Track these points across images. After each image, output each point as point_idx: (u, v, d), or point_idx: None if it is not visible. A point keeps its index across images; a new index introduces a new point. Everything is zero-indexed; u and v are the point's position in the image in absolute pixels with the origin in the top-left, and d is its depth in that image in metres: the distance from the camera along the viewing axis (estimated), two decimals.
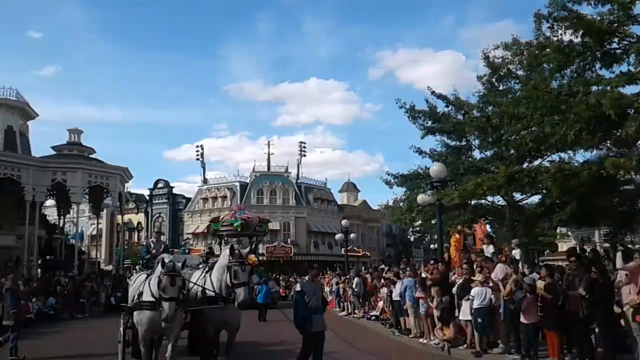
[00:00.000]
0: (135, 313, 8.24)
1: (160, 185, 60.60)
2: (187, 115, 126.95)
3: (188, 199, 59.24)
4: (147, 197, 60.85)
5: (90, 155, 37.53)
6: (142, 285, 8.32)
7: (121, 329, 10.19)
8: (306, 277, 9.57)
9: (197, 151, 56.96)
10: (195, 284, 8.73)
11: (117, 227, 41.34)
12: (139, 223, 59.31)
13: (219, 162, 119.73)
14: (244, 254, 8.12)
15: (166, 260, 7.72)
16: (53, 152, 36.67)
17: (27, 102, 34.34)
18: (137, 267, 11.25)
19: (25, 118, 34.80)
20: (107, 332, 15.18)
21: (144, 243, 12.62)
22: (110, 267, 39.50)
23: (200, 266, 10.24)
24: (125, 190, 40.39)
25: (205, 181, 57.24)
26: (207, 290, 8.43)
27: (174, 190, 61.43)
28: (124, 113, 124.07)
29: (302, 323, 8.68)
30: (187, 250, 30.55)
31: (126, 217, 47.06)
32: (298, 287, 9.35)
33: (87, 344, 14.66)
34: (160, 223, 57.50)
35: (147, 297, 8.01)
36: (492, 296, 11.27)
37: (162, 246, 11.46)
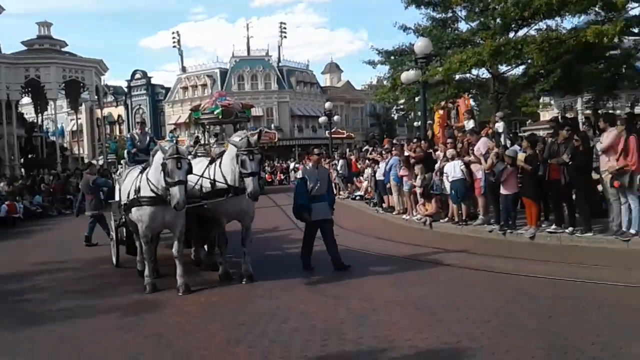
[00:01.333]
0: (134, 210, 7.77)
1: (137, 76, 58.83)
2: (161, 1, 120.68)
3: (167, 89, 57.88)
4: (126, 89, 59.36)
5: (63, 49, 35.94)
6: (138, 180, 7.83)
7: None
8: (309, 164, 9.12)
9: (174, 38, 54.73)
10: (201, 176, 8.05)
11: (97, 122, 40.62)
12: (119, 116, 58.39)
13: (197, 49, 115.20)
14: (253, 141, 7.50)
15: (166, 146, 7.23)
16: (23, 48, 35.03)
17: None
18: (122, 161, 10.79)
19: None
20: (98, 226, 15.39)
21: (128, 136, 11.77)
22: (94, 162, 39.40)
23: (199, 155, 9.82)
24: (102, 83, 39.25)
25: (183, 69, 55.58)
26: (217, 183, 7.90)
27: (153, 81, 59.76)
28: (96, 2, 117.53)
29: (299, 211, 8.49)
30: (174, 141, 30.27)
31: (106, 111, 46.11)
32: (299, 174, 8.99)
33: (80, 237, 14.87)
34: (141, 115, 56.54)
35: (146, 192, 7.53)
36: (463, 167, 11.44)
37: (148, 138, 10.85)
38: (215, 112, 19.77)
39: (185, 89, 54.29)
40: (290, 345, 5.26)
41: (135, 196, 7.71)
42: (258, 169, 7.59)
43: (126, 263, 9.77)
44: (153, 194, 7.44)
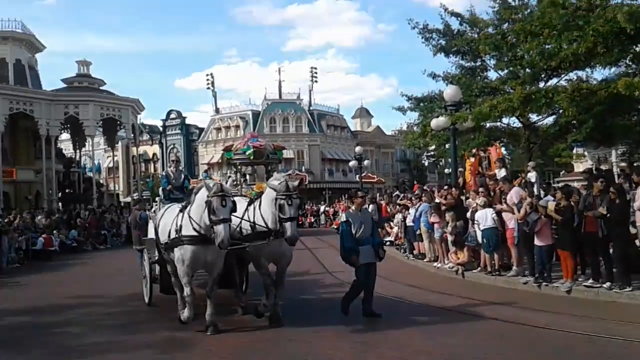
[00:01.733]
0: (176, 249, 7.59)
1: (172, 115, 60.43)
2: (195, 43, 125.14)
3: (201, 129, 59.18)
4: (161, 128, 60.88)
5: (101, 87, 37.40)
6: (178, 218, 7.67)
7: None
8: (352, 208, 9.05)
9: (208, 80, 56.41)
10: (242, 219, 7.90)
11: (132, 159, 41.66)
12: (154, 154, 59.73)
13: (230, 91, 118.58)
14: (292, 186, 7.42)
15: (210, 184, 7.12)
16: (63, 85, 36.51)
17: (34, 34, 33.83)
18: (157, 198, 10.74)
19: (33, 51, 34.42)
20: (133, 261, 15.60)
21: (163, 173, 11.65)
22: (128, 199, 40.15)
23: (238, 198, 9.40)
24: (139, 122, 40.44)
25: (217, 111, 56.93)
26: (257, 225, 7.80)
27: (187, 121, 61.28)
28: (132, 42, 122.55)
29: (348, 254, 8.31)
30: (210, 177, 30.77)
31: (141, 149, 47.43)
32: (344, 217, 8.82)
33: (113, 272, 15.12)
34: (175, 153, 57.76)
35: (188, 230, 7.39)
36: (494, 217, 11.32)
37: (182, 175, 10.66)
38: (247, 153, 20.02)
39: (218, 129, 55.43)
40: None
41: (176, 235, 7.58)
42: (297, 214, 7.53)
43: (158, 301, 9.83)
44: (195, 233, 7.34)
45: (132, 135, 35.87)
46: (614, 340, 6.74)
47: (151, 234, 9.90)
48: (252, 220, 7.89)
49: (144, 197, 40.89)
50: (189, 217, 7.44)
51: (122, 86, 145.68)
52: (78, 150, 38.86)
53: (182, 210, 7.81)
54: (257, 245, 7.82)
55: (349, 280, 8.84)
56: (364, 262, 8.29)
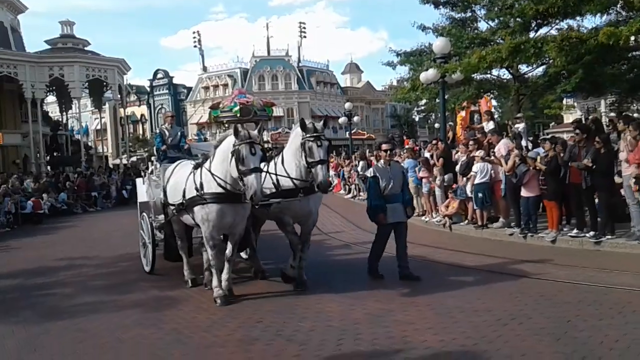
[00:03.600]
0: (196, 209, 6.90)
1: (159, 75, 59.66)
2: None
3: (189, 89, 58.58)
4: (148, 89, 60.14)
5: (85, 48, 36.62)
6: (197, 176, 6.98)
7: (146, 228, 9.09)
8: (380, 162, 8.37)
9: (195, 38, 55.52)
10: (267, 172, 7.10)
11: (120, 121, 41.23)
12: (142, 115, 59.24)
13: (218, 48, 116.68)
14: (319, 127, 6.81)
15: (240, 131, 6.35)
16: (47, 47, 35.73)
17: None
18: (152, 158, 10.26)
19: (15, 12, 33.49)
20: (123, 223, 15.71)
21: (157, 131, 10.53)
22: (117, 161, 39.97)
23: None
24: (125, 83, 39.85)
25: (204, 69, 56.23)
26: (280, 181, 7.18)
27: (174, 80, 60.58)
28: (116, 0, 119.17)
29: (374, 213, 7.81)
30: (203, 139, 30.51)
31: (129, 110, 46.86)
32: (371, 172, 8.08)
33: (104, 234, 15.17)
34: (163, 114, 57.19)
35: (211, 187, 6.71)
36: (493, 171, 11.33)
37: (179, 132, 9.78)
38: (233, 110, 19.59)
39: (206, 88, 54.86)
40: (306, 343, 5.30)
41: (197, 194, 6.87)
42: (326, 156, 6.84)
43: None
44: (221, 190, 6.66)
45: (119, 96, 35.36)
46: (595, 287, 6.86)
47: (143, 196, 9.74)
48: (274, 178, 7.21)
49: (138, 157, 40.67)
50: (211, 172, 6.75)
51: (107, 46, 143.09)
52: (65, 113, 38.34)
53: (197, 167, 7.16)
54: (285, 203, 7.19)
55: (351, 241, 8.69)
56: (393, 221, 7.76)
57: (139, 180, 11.23)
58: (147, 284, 8.38)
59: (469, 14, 18.83)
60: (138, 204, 10.20)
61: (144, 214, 9.32)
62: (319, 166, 6.61)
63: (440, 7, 18.72)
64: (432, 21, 19.71)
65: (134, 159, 42.20)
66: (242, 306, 6.83)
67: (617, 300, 6.25)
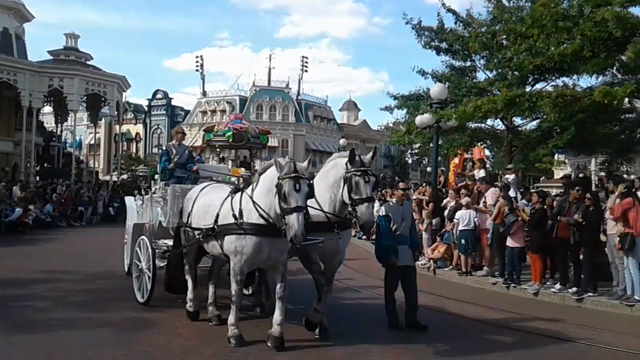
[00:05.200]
0: (232, 239, 6.22)
1: (159, 95, 59.87)
2: (187, 23, 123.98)
3: (187, 111, 58.76)
4: (146, 108, 60.30)
5: (88, 62, 36.78)
6: (236, 202, 6.34)
7: (141, 255, 8.25)
8: (393, 200, 7.97)
9: (197, 62, 55.95)
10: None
11: (115, 137, 41.20)
12: (137, 134, 59.20)
13: (219, 74, 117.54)
14: (367, 160, 6.24)
15: (282, 162, 5.81)
16: (49, 57, 35.89)
17: (23, 2, 33.17)
18: (156, 176, 9.69)
19: (22, 20, 33.72)
20: (107, 240, 15.53)
21: (164, 148, 9.66)
22: (107, 177, 39.75)
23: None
24: (124, 100, 39.96)
25: (204, 93, 56.56)
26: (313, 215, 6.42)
27: (173, 102, 60.79)
28: (123, 18, 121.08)
29: (385, 255, 7.32)
30: (203, 161, 30.12)
31: (124, 127, 46.95)
32: (383, 211, 7.44)
33: (85, 250, 15.00)
34: (158, 135, 57.33)
35: (252, 217, 6.10)
36: (477, 219, 11.40)
37: (186, 151, 9.05)
38: (226, 135, 18.83)
39: (204, 112, 55.06)
40: None
41: (235, 222, 6.21)
42: (372, 193, 6.30)
43: (125, 278, 9.77)
44: (262, 221, 6.06)
45: (116, 112, 35.37)
46: (571, 343, 6.86)
47: (134, 217, 9.46)
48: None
49: (140, 174, 40.09)
50: (253, 201, 6.15)
51: (109, 62, 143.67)
52: (60, 125, 38.26)
53: (236, 192, 6.62)
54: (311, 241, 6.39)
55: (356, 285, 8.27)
56: (404, 264, 7.34)
57: (129, 199, 10.98)
58: (123, 303, 8.23)
59: (468, 64, 19.25)
60: (129, 225, 9.74)
61: (143, 238, 8.44)
62: (366, 204, 6.02)
63: (442, 53, 19.14)
64: (432, 67, 20.11)
65: (124, 176, 42.01)
66: (219, 334, 6.71)
67: (592, 358, 6.23)
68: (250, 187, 6.41)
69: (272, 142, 45.85)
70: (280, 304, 6.17)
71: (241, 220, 6.15)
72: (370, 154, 6.50)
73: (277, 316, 6.16)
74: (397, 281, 7.41)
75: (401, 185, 7.97)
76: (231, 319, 6.39)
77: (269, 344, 6.12)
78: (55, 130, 38.60)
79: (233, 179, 9.21)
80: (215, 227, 6.50)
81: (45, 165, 34.55)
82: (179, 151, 8.93)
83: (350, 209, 6.24)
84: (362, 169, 6.11)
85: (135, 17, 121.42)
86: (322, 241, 6.44)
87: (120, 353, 5.88)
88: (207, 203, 6.95)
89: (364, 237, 18.72)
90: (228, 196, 6.61)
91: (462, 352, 6.29)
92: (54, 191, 24.21)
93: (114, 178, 36.28)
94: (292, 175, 5.64)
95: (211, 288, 7.37)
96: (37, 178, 31.06)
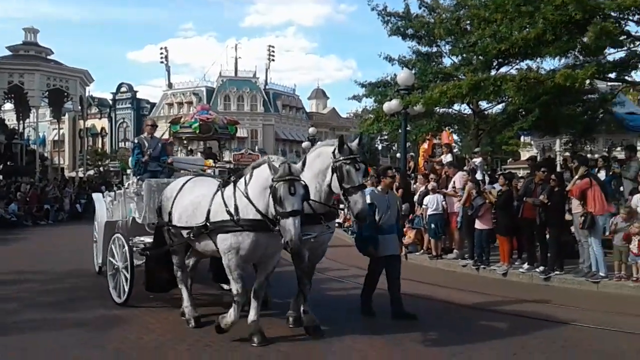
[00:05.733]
0: (225, 235, 5.94)
1: (123, 89, 58.81)
2: (150, 14, 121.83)
3: (153, 104, 57.94)
4: (110, 102, 59.18)
5: (48, 57, 35.87)
6: (228, 197, 6.03)
7: (120, 252, 7.77)
8: (378, 187, 7.69)
9: (162, 53, 55.18)
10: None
11: (79, 133, 40.33)
12: (102, 128, 57.93)
13: (185, 65, 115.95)
14: (355, 148, 6.05)
15: (275, 163, 5.57)
16: (8, 53, 34.85)
17: None
18: (128, 170, 9.46)
19: None
20: (75, 238, 15.25)
21: (136, 141, 9.31)
22: (73, 174, 38.98)
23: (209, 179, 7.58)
24: (87, 94, 39.15)
25: (170, 85, 55.84)
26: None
27: (138, 95, 59.83)
28: (84, 11, 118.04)
29: (364, 245, 7.16)
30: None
31: (89, 122, 46.02)
32: (368, 199, 6.69)
33: (53, 249, 14.70)
34: (124, 129, 56.38)
35: (249, 213, 5.81)
36: (445, 203, 11.56)
37: (159, 144, 8.71)
38: (192, 127, 18.06)
39: (170, 105, 54.37)
40: None
41: (234, 217, 5.89)
42: (363, 181, 6.18)
43: (96, 276, 9.65)
44: (259, 217, 5.78)
45: (80, 107, 34.68)
46: (539, 321, 7.02)
47: (104, 214, 9.19)
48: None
49: (112, 169, 39.06)
50: (248, 198, 5.87)
51: (71, 56, 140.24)
52: (22, 122, 37.32)
53: (225, 186, 6.29)
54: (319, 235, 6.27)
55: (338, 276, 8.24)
56: (386, 254, 7.18)
57: (97, 196, 10.60)
58: (94, 302, 8.09)
59: (434, 49, 19.41)
60: (99, 222, 9.45)
61: (118, 235, 8.02)
62: (359, 192, 5.85)
63: (408, 39, 19.24)
64: (399, 53, 20.21)
65: (91, 172, 41.24)
66: (193, 330, 6.68)
67: (561, 335, 6.41)
68: (242, 180, 6.07)
69: (241, 132, 45.59)
70: (257, 302, 6.03)
71: (237, 217, 5.87)
72: (357, 140, 6.28)
73: (251, 316, 6.02)
74: (380, 271, 7.28)
75: (389, 172, 7.76)
76: (232, 316, 6.04)
77: (252, 344, 5.91)
78: (17, 128, 37.60)
79: (209, 170, 9.05)
80: (208, 224, 6.15)
81: (8, 163, 33.65)
82: (152, 144, 8.61)
83: (342, 198, 6.05)
84: (352, 156, 5.94)
85: (96, 9, 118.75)
86: (315, 236, 6.19)
87: (92, 353, 5.80)
88: (194, 200, 6.59)
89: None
90: (217, 191, 6.29)
91: (440, 336, 6.39)
92: (18, 190, 23.65)
93: (80, 174, 35.61)
94: (287, 178, 5.44)
95: (184, 290, 7.06)
96: (0, 177, 30.28)
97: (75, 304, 8.04)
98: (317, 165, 6.23)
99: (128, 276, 7.51)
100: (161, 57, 55.20)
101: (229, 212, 5.94)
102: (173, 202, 6.90)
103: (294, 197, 5.38)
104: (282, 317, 6.88)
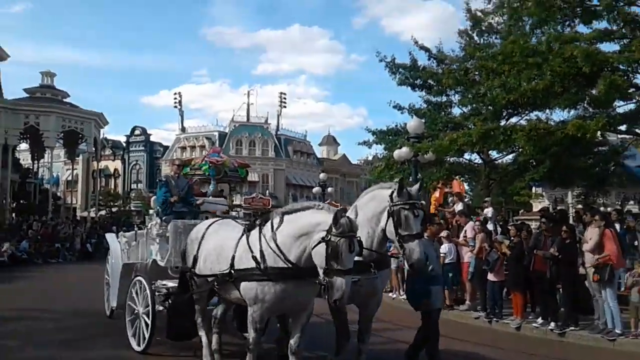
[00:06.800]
0: (250, 284, 5.50)
1: (137, 132, 59.71)
2: (165, 61, 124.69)
3: (166, 147, 58.63)
4: (124, 144, 60.02)
5: (64, 99, 36.70)
6: (251, 243, 5.65)
7: (142, 297, 7.40)
8: (425, 235, 6.82)
9: (175, 98, 56.25)
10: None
11: (93, 174, 40.79)
12: (115, 170, 58.72)
13: (198, 110, 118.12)
14: (415, 193, 5.67)
15: (326, 213, 5.17)
16: (25, 95, 35.71)
17: None
18: (151, 211, 8.87)
19: None
20: (85, 277, 15.22)
21: (163, 179, 8.83)
22: (85, 213, 39.18)
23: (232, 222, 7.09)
24: (101, 137, 39.77)
25: (183, 129, 56.59)
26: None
27: (152, 138, 60.70)
28: (100, 57, 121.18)
29: (419, 299, 6.64)
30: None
31: (102, 164, 46.60)
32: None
33: (62, 287, 14.68)
34: (137, 171, 56.95)
35: (277, 261, 5.36)
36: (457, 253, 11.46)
37: (186, 184, 8.46)
38: (202, 169, 18.20)
39: (183, 148, 54.97)
40: None
41: (257, 266, 5.48)
42: (422, 229, 5.80)
43: (106, 317, 9.57)
44: (286, 265, 5.34)
45: (94, 149, 35.20)
46: None
47: (119, 255, 8.99)
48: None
49: (133, 209, 39.18)
50: (277, 245, 5.41)
51: (87, 100, 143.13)
52: (36, 161, 37.87)
53: (250, 229, 5.88)
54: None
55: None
56: (438, 307, 6.82)
57: (110, 236, 10.33)
58: (102, 342, 8.03)
59: (444, 99, 19.65)
60: (115, 264, 9.09)
61: (140, 278, 7.66)
62: (416, 241, 5.45)
63: (417, 89, 19.53)
64: (409, 101, 20.49)
65: (102, 213, 41.45)
66: None
67: None
68: (269, 225, 5.61)
69: (253, 176, 45.93)
70: (295, 358, 5.48)
71: (264, 265, 5.44)
72: (417, 185, 5.87)
73: None
74: (437, 322, 6.78)
75: (436, 220, 7.37)
76: None
77: None
78: (31, 167, 38.15)
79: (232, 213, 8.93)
80: (232, 272, 5.74)
81: (22, 201, 34.02)
82: (180, 184, 8.37)
83: (397, 245, 5.64)
84: (411, 201, 5.56)
85: (112, 55, 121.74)
86: (358, 280, 5.54)
87: None
88: (219, 244, 6.21)
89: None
90: (242, 235, 5.89)
91: None
92: (30, 228, 23.79)
93: (92, 214, 35.79)
94: (349, 234, 4.93)
95: (215, 336, 6.79)
96: (13, 215, 30.55)
97: (82, 343, 8.01)
98: (371, 208, 5.87)
99: (149, 322, 7.14)
100: (175, 102, 56.32)
101: (254, 258, 5.53)
102: (199, 245, 6.55)
103: (351, 255, 4.93)
104: None
